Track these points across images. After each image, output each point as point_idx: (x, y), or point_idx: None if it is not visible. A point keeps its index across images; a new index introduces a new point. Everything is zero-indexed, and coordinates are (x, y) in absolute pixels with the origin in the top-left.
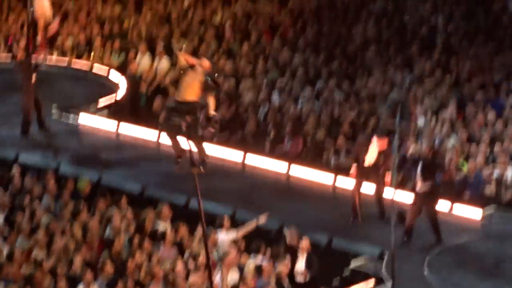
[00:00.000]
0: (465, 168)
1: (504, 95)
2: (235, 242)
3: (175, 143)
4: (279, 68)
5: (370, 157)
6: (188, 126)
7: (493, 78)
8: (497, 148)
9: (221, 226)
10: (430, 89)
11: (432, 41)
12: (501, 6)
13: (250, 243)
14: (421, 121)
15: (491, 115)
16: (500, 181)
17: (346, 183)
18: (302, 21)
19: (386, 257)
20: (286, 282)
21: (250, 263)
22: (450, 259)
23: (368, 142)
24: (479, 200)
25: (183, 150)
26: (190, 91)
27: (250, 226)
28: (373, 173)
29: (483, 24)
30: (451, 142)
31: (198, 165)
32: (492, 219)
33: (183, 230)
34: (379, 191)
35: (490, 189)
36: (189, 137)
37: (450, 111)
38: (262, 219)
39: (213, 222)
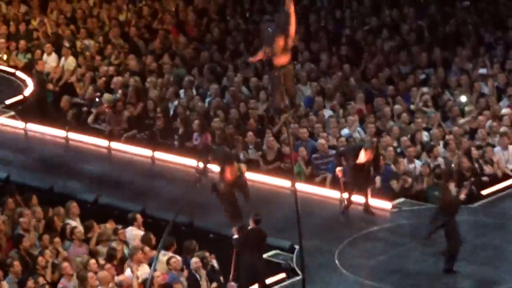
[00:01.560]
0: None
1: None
2: (144, 238)
3: None
4: (186, 64)
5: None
6: None
7: (400, 71)
8: (404, 141)
9: (132, 222)
10: (337, 84)
11: (339, 35)
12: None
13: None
14: (327, 114)
15: (399, 108)
16: (409, 173)
17: (255, 177)
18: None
19: (296, 250)
20: (199, 274)
21: (161, 258)
22: (360, 249)
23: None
24: (389, 192)
25: None
26: None
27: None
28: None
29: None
30: (357, 135)
31: None
32: (401, 211)
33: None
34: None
35: (399, 181)
36: None
37: (358, 104)
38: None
39: (125, 219)
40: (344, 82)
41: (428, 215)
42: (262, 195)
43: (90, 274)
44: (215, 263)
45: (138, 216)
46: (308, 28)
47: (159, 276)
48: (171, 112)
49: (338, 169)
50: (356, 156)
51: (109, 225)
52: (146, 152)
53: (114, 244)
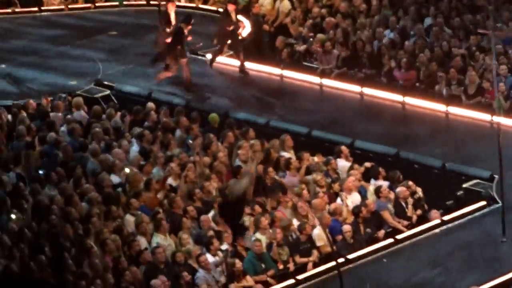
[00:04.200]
0: None
1: None
2: (351, 167)
3: None
4: (392, 6)
5: None
6: None
7: None
8: None
9: (339, 155)
10: None
11: None
12: None
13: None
14: None
15: None
16: None
17: (457, 111)
18: None
19: (496, 179)
20: (405, 202)
21: (370, 187)
22: None
23: None
24: None
25: None
26: None
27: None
28: None
29: None
30: None
31: None
32: None
33: (306, 158)
34: None
35: None
36: None
37: None
38: None
39: (332, 151)
40: None
41: None
42: (464, 128)
43: (303, 202)
44: (419, 191)
45: (344, 148)
46: None
47: (369, 203)
48: (376, 50)
49: None
50: None
51: (317, 158)
52: (355, 88)
53: (320, 176)
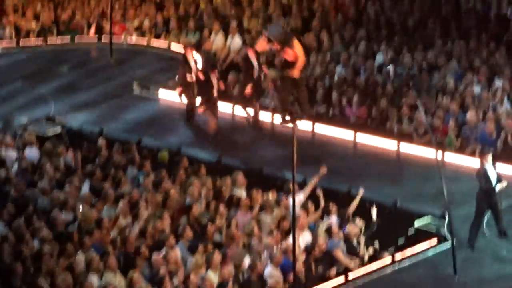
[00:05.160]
0: None
1: None
2: (304, 205)
3: None
4: (343, 42)
5: None
6: None
7: None
8: None
9: (289, 191)
10: (485, 59)
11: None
12: None
13: (322, 205)
14: (477, 89)
15: None
16: None
17: (409, 148)
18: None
19: (447, 217)
20: (354, 242)
21: (322, 225)
22: (507, 218)
23: None
24: None
25: None
26: None
27: (312, 185)
28: None
29: None
30: (505, 109)
31: None
32: None
33: (258, 196)
34: None
35: None
36: None
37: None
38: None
39: (282, 187)
40: (491, 58)
41: None
42: (415, 166)
43: (256, 240)
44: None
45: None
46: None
47: (321, 242)
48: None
49: None
50: None
51: (271, 195)
52: (306, 124)
53: (277, 212)
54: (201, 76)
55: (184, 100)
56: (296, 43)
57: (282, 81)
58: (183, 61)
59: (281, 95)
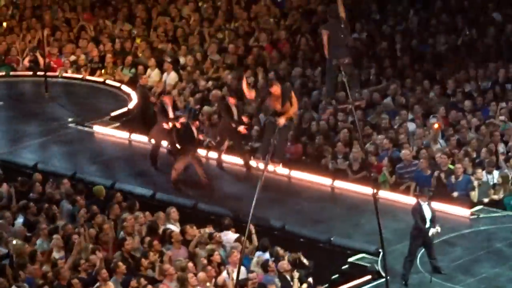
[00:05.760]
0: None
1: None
2: (238, 239)
3: None
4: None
5: None
6: None
7: (479, 87)
8: (483, 152)
9: (226, 227)
10: (419, 97)
11: (422, 53)
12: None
13: (254, 240)
14: (411, 127)
15: (476, 121)
16: (486, 183)
17: (342, 185)
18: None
19: (381, 253)
20: (289, 276)
21: (256, 260)
22: (440, 253)
23: None
24: (467, 201)
25: None
26: None
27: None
28: None
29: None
30: (438, 146)
31: None
32: (479, 218)
33: (191, 231)
34: None
35: (476, 191)
36: None
37: (438, 117)
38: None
39: (219, 223)
40: (425, 96)
41: (505, 222)
42: (350, 202)
43: (190, 275)
44: (305, 261)
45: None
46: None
47: (254, 277)
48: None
49: None
50: None
51: (208, 229)
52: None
53: (210, 247)
54: (179, 125)
55: (152, 142)
56: (293, 96)
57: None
58: (161, 108)
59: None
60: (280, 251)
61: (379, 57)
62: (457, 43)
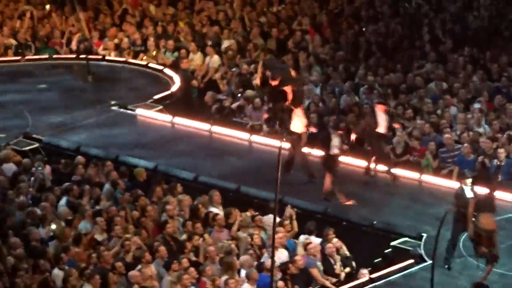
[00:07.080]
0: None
1: None
2: (281, 223)
3: None
4: (320, 63)
5: None
6: None
7: None
8: None
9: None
10: (463, 82)
11: (464, 37)
12: None
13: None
14: (454, 111)
15: None
16: None
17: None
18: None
19: (424, 237)
20: (333, 259)
21: (300, 243)
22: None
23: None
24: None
25: None
26: None
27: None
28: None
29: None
30: (482, 130)
31: None
32: None
33: (235, 213)
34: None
35: None
36: None
37: (482, 102)
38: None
39: (264, 207)
40: (469, 81)
41: None
42: (391, 186)
43: (233, 258)
44: (345, 249)
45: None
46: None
47: (297, 260)
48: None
49: None
50: None
51: (249, 213)
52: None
53: (252, 231)
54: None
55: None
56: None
57: None
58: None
59: None
60: (330, 234)
61: (422, 40)
62: (501, 27)
